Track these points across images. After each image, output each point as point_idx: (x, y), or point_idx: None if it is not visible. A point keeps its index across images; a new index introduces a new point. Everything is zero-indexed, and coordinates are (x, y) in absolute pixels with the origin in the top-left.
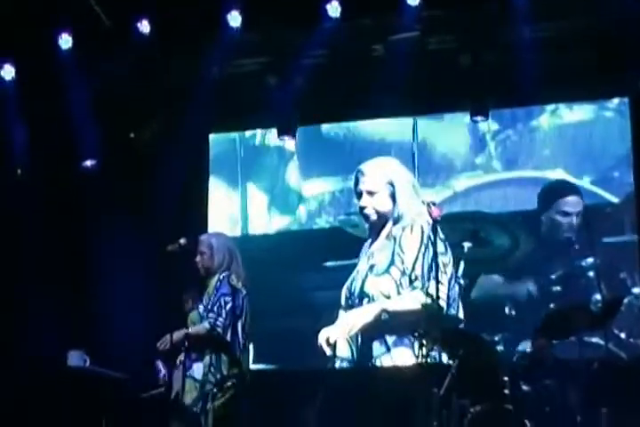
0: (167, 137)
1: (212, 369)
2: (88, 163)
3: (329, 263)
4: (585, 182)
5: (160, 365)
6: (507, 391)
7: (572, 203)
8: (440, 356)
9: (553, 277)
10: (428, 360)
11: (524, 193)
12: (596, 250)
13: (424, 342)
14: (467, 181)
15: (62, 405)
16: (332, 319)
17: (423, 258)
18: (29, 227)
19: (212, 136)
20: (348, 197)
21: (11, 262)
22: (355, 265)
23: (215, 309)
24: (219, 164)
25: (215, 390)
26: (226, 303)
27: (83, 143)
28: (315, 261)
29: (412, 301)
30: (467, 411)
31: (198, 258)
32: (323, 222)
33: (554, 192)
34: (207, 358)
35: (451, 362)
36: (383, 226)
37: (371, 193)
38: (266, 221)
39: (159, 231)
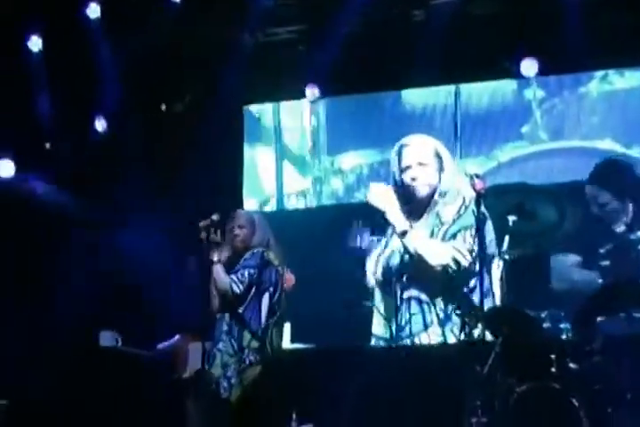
0: (200, 109)
1: (230, 339)
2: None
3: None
4: (634, 152)
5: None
6: (553, 369)
7: None
8: (484, 333)
9: (601, 251)
10: (471, 338)
11: (571, 164)
12: None
13: (466, 319)
14: (511, 152)
15: (97, 385)
16: (367, 296)
17: (465, 232)
18: (55, 201)
19: (245, 107)
20: (387, 170)
21: (39, 244)
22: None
23: (235, 277)
24: (253, 136)
25: (234, 362)
26: (249, 275)
27: (112, 116)
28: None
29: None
30: (512, 390)
31: (237, 231)
32: (361, 196)
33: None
34: (224, 324)
35: (494, 340)
36: (428, 201)
37: (422, 164)
38: (302, 195)
39: (192, 206)
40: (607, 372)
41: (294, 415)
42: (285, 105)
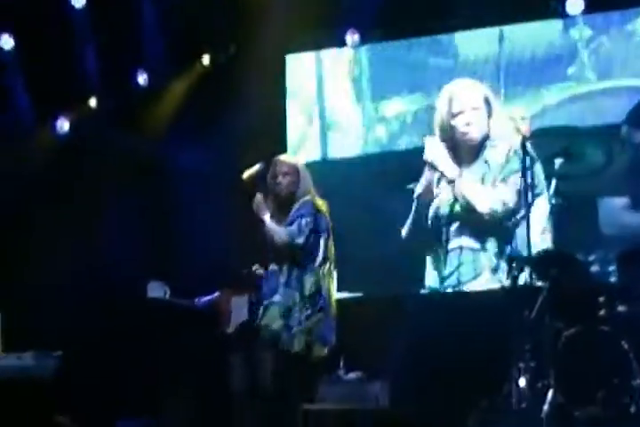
0: (242, 60)
1: (289, 290)
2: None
3: (412, 186)
4: None
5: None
6: (602, 313)
7: None
8: (531, 278)
9: None
10: (519, 283)
11: (620, 104)
12: None
13: (514, 264)
14: (558, 94)
15: (143, 336)
16: (415, 241)
17: (514, 176)
18: (108, 154)
19: (287, 56)
20: (431, 116)
21: (91, 193)
22: None
23: (294, 228)
24: (296, 85)
25: (297, 309)
26: (306, 224)
27: (154, 68)
28: (397, 184)
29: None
30: (560, 334)
31: (281, 179)
32: (404, 144)
33: None
34: (280, 276)
35: (542, 284)
36: (479, 147)
37: (475, 109)
38: (345, 143)
39: (236, 156)
40: None
41: (342, 364)
42: (327, 53)
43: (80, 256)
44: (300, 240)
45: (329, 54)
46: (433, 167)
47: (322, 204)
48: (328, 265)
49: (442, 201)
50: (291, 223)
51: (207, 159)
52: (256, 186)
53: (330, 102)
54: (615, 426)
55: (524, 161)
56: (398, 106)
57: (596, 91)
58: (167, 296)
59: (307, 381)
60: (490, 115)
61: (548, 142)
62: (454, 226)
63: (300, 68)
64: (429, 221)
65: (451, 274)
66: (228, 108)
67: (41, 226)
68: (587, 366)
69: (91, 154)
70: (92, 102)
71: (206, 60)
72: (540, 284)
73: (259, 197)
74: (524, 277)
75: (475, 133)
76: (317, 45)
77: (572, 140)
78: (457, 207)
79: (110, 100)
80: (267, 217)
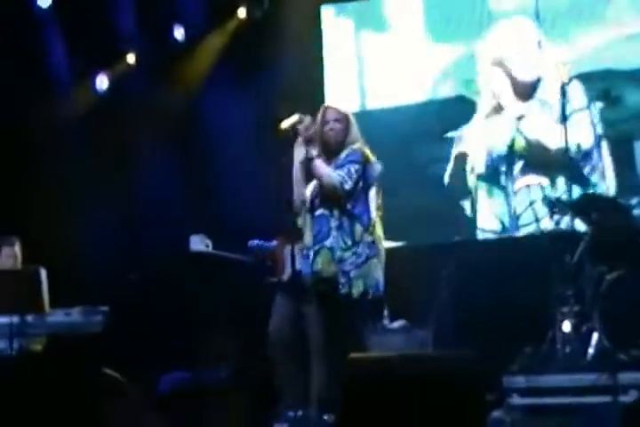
0: (278, 12)
1: (341, 234)
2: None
3: (450, 134)
4: None
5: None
6: None
7: None
8: (573, 222)
9: None
10: (561, 227)
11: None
12: None
13: (556, 209)
14: (596, 37)
15: (188, 289)
16: (457, 192)
17: (578, 114)
18: (147, 109)
19: (323, 7)
20: (473, 64)
21: (130, 149)
22: None
23: (343, 173)
24: (332, 37)
25: (350, 255)
26: (356, 171)
27: (190, 23)
28: (436, 133)
29: None
30: (603, 278)
31: (333, 125)
32: (447, 90)
33: None
34: (331, 220)
35: (584, 228)
36: (534, 86)
37: (523, 49)
38: (385, 93)
39: (273, 109)
40: None
41: (386, 313)
42: (361, 3)
43: (121, 211)
44: (348, 186)
45: (363, 4)
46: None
47: (370, 153)
48: (377, 213)
49: (497, 142)
50: (340, 167)
51: (244, 113)
52: (295, 135)
53: (366, 52)
54: None
55: (563, 105)
56: (439, 53)
57: (637, 33)
58: (209, 249)
59: (358, 328)
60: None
61: (587, 87)
62: (518, 165)
63: (335, 19)
64: (484, 165)
65: (522, 213)
66: (264, 62)
67: (81, 182)
68: (630, 309)
69: (130, 110)
70: (131, 58)
71: (242, 13)
72: (582, 228)
73: (306, 140)
74: (566, 222)
75: (530, 72)
76: None
77: (611, 84)
78: (520, 145)
79: (148, 55)
80: (318, 161)
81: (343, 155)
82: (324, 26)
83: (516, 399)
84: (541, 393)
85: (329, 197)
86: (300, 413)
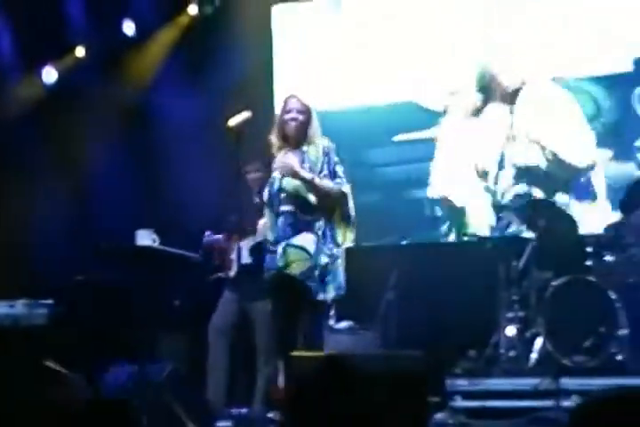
0: (229, 9)
1: (327, 238)
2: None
3: (398, 138)
4: None
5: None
6: (589, 262)
7: None
8: (520, 229)
9: (637, 144)
10: (507, 233)
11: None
12: None
13: (502, 214)
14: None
15: (133, 283)
16: (402, 196)
17: None
18: (95, 102)
19: (274, 7)
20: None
21: (78, 142)
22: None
23: (338, 179)
24: (282, 36)
25: (328, 261)
26: (343, 171)
27: (141, 18)
28: (384, 136)
29: None
30: (548, 284)
31: (295, 115)
32: (393, 95)
33: None
34: (321, 224)
35: (531, 234)
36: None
37: None
38: (335, 94)
39: (222, 105)
40: None
41: (332, 313)
42: (312, 3)
43: (69, 204)
44: (346, 189)
45: (315, 3)
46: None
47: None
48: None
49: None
50: (334, 175)
51: (194, 109)
52: (242, 133)
53: (315, 53)
54: (602, 374)
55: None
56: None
57: None
58: (156, 244)
59: (316, 328)
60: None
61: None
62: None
63: (286, 18)
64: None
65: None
66: (214, 58)
67: (29, 174)
68: (574, 315)
69: (78, 103)
70: (80, 51)
71: (193, 9)
72: (528, 234)
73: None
74: (513, 228)
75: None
76: None
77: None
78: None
79: (97, 49)
80: (313, 178)
81: (312, 151)
82: (274, 25)
83: (460, 402)
84: (484, 396)
85: (299, 195)
86: (244, 410)
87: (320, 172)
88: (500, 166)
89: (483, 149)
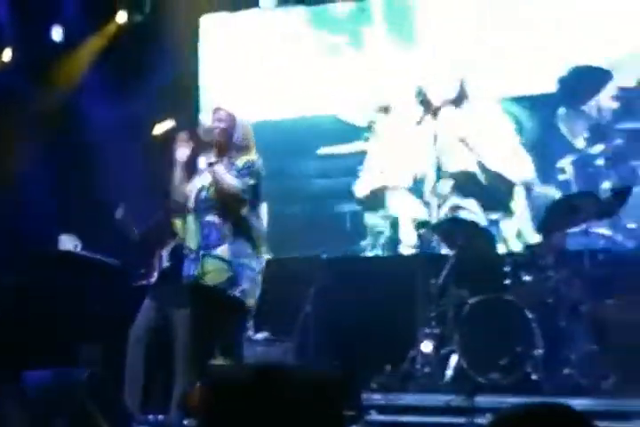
0: (158, 18)
1: (241, 245)
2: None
3: (323, 151)
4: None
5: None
6: (507, 282)
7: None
8: (439, 246)
9: (559, 165)
10: (427, 250)
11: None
12: (606, 136)
13: (422, 231)
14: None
15: (54, 287)
16: (324, 209)
17: None
18: (21, 106)
19: (202, 17)
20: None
21: (1, 145)
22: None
23: (244, 182)
24: (210, 46)
25: (247, 272)
26: (252, 186)
27: (70, 24)
28: (310, 149)
29: None
30: (465, 301)
31: (217, 124)
32: (317, 108)
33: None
34: (227, 229)
35: (450, 252)
36: None
37: None
38: (258, 106)
39: (149, 113)
40: (560, 285)
41: (251, 324)
42: (242, 14)
43: None
44: (247, 196)
45: (244, 15)
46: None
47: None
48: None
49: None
50: (242, 177)
51: (121, 114)
52: (166, 140)
53: (242, 63)
54: (516, 393)
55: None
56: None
57: None
58: (78, 250)
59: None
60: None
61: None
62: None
63: (214, 28)
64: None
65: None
66: (142, 65)
67: None
68: (490, 333)
69: (4, 105)
70: (6, 55)
71: (122, 17)
72: (447, 252)
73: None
74: (432, 245)
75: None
76: (233, 7)
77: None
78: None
79: (25, 53)
80: (218, 167)
81: (241, 164)
82: (202, 34)
83: (375, 416)
84: (399, 411)
85: (227, 204)
86: (161, 417)
87: (242, 183)
88: (437, 177)
89: (417, 161)
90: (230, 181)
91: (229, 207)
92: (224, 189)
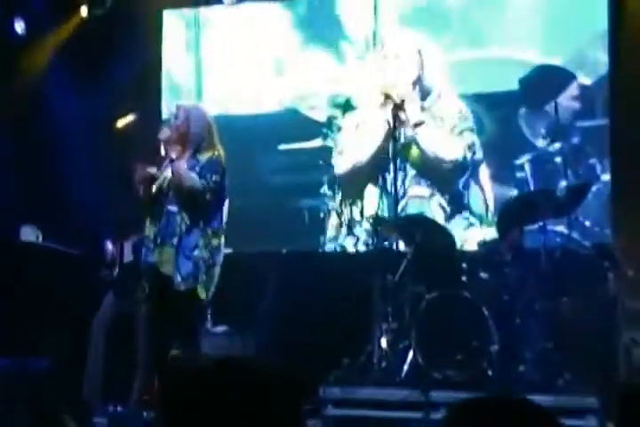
0: (119, 12)
1: (195, 235)
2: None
3: (284, 146)
4: (557, 61)
5: (109, 245)
6: (464, 278)
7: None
8: (397, 242)
9: (518, 162)
10: (384, 246)
11: (491, 73)
12: (564, 134)
13: (379, 227)
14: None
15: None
16: (285, 204)
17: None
18: None
19: (165, 11)
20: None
21: None
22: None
23: (206, 180)
24: (172, 40)
25: (204, 264)
26: (215, 182)
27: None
28: (271, 144)
29: None
30: (422, 297)
31: (173, 120)
32: (278, 103)
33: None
34: (187, 222)
35: (407, 248)
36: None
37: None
38: (220, 101)
39: (111, 106)
40: (517, 283)
41: (209, 317)
42: (205, 10)
43: None
44: (208, 197)
45: (207, 11)
46: (398, 109)
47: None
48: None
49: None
50: (202, 176)
51: (83, 107)
52: (128, 134)
53: (205, 59)
54: (472, 389)
55: None
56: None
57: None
58: (40, 240)
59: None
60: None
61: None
62: (410, 173)
63: (176, 23)
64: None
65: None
66: (104, 60)
67: None
68: (447, 329)
69: None
70: None
71: (84, 11)
72: (404, 248)
73: (165, 134)
74: (389, 241)
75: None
76: (195, 2)
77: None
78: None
79: None
80: (179, 163)
81: (204, 159)
82: (165, 29)
83: (332, 410)
84: (356, 405)
85: (188, 199)
86: (119, 408)
87: (202, 177)
88: (399, 168)
89: (377, 155)
90: (189, 179)
91: (187, 202)
92: (183, 186)
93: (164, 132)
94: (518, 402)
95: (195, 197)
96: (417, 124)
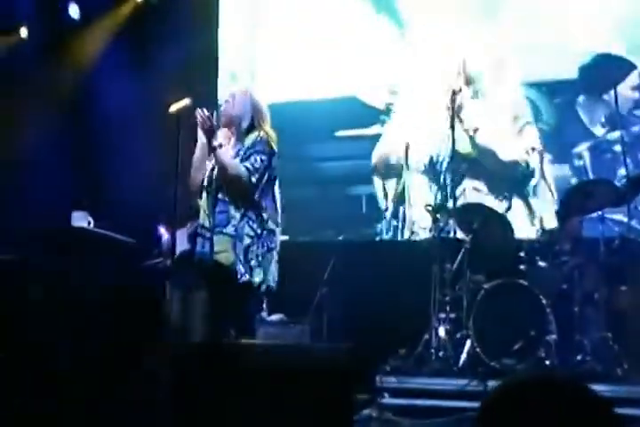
0: None
1: (249, 222)
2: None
3: (340, 133)
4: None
5: (163, 232)
6: (522, 267)
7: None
8: (455, 230)
9: (576, 151)
10: (442, 235)
11: (549, 61)
12: (623, 123)
13: (438, 215)
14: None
15: (67, 264)
16: (340, 192)
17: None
18: (36, 84)
19: None
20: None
21: (17, 123)
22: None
23: (249, 164)
24: (229, 22)
25: (252, 245)
26: (262, 161)
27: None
28: (326, 131)
29: None
30: (480, 286)
31: (224, 105)
32: (338, 90)
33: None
34: (241, 210)
35: (465, 237)
36: None
37: None
38: (277, 85)
39: (166, 91)
40: (575, 272)
41: (265, 305)
42: None
43: (4, 185)
44: (254, 179)
45: None
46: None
47: (274, 139)
48: (279, 206)
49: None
50: (246, 159)
51: (136, 93)
52: (182, 119)
53: (264, 41)
54: None
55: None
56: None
57: None
58: (91, 226)
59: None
60: None
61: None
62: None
63: (233, 8)
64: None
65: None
66: (158, 44)
67: None
68: (505, 318)
69: (18, 82)
70: (23, 32)
71: None
72: (462, 236)
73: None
74: (447, 229)
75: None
76: None
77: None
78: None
79: (41, 30)
80: (222, 151)
81: (249, 142)
82: (221, 11)
83: (388, 399)
84: (412, 395)
85: (234, 186)
86: None
87: (246, 160)
88: (452, 159)
89: (433, 143)
90: (232, 166)
91: (234, 191)
92: (227, 175)
93: (221, 115)
94: (576, 390)
95: (240, 184)
96: (475, 130)
